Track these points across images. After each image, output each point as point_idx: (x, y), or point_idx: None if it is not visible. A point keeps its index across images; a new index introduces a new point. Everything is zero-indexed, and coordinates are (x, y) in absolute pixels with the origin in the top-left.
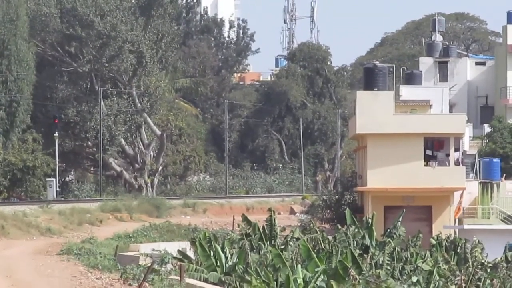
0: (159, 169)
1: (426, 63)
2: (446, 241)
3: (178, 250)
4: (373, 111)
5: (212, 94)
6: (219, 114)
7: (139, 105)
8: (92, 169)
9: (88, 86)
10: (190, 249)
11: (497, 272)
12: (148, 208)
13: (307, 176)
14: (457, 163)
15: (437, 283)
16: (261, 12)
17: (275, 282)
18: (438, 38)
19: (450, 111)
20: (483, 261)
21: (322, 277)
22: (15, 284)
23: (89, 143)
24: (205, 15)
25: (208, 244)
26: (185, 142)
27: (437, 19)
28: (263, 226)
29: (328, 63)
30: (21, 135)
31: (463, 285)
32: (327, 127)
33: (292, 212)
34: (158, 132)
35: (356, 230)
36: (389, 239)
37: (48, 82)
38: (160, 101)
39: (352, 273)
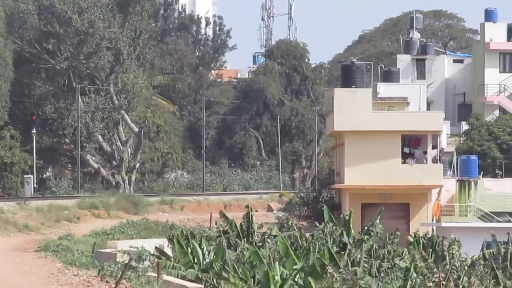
0: (137, 166)
1: (403, 61)
2: (424, 238)
3: (156, 247)
4: (350, 108)
5: (189, 91)
6: (197, 111)
7: (116, 102)
8: (69, 166)
9: (66, 83)
10: (167, 246)
11: (475, 270)
12: (125, 205)
13: (285, 174)
14: (434, 160)
15: (414, 280)
16: (238, 9)
17: (252, 279)
18: (415, 35)
19: (428, 108)
20: (462, 258)
21: (300, 274)
22: None
23: (67, 140)
24: (183, 12)
25: (186, 241)
26: (162, 139)
27: (414, 17)
28: (241, 223)
29: (306, 60)
30: None
31: (441, 282)
32: (305, 125)
33: (269, 209)
34: (136, 129)
35: (334, 227)
36: (367, 237)
37: (26, 79)
38: (138, 98)
39: (329, 271)
